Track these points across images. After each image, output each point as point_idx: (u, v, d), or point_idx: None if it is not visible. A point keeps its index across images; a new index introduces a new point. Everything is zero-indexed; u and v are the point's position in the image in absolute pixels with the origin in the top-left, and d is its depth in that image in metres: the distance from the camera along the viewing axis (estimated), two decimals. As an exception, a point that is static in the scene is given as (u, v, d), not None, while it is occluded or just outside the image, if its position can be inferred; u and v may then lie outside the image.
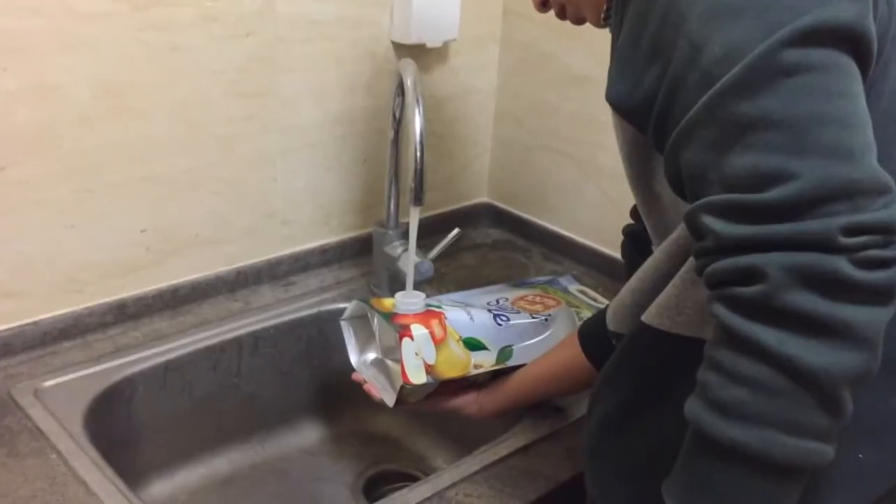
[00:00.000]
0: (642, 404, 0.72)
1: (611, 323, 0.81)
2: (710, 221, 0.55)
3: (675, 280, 0.67)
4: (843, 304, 0.51)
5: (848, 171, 0.51)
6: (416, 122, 1.00)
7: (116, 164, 1.08)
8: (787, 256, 0.51)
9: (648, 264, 0.73)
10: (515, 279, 1.27)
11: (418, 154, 1.00)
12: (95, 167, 1.06)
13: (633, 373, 0.73)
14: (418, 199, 1.01)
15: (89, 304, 1.11)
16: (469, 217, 1.50)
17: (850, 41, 0.54)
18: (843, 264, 0.50)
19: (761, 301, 0.52)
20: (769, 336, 0.52)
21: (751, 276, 0.52)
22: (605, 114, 1.34)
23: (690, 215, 0.57)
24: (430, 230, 1.29)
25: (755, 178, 0.53)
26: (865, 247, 0.51)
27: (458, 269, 1.37)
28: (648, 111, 0.61)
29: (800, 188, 0.51)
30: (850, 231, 0.51)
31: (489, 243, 1.48)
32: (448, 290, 1.29)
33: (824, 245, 0.51)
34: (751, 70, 0.53)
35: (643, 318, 0.71)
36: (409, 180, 1.03)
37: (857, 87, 0.54)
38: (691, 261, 0.65)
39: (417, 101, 1.01)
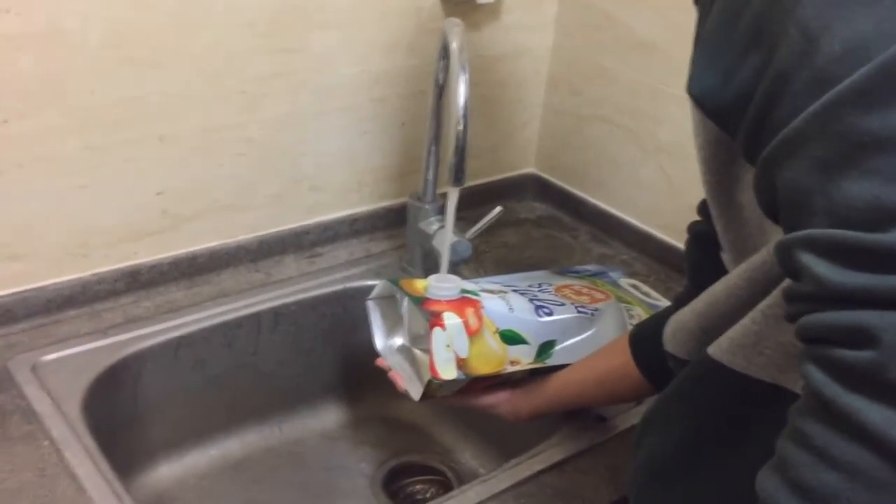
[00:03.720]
0: (700, 450, 0.62)
1: (668, 344, 0.70)
2: (811, 261, 0.44)
3: (755, 314, 0.56)
4: None
5: None
6: (460, 93, 0.89)
7: (131, 121, 0.98)
8: None
9: (720, 288, 0.62)
10: (560, 267, 1.16)
11: (460, 128, 0.89)
12: (108, 123, 0.97)
13: (693, 411, 0.63)
14: (458, 179, 0.90)
15: (99, 269, 1.03)
16: (513, 189, 1.39)
17: None
18: None
19: (870, 371, 0.41)
20: (875, 414, 0.41)
21: (860, 337, 0.42)
22: (670, 86, 1.24)
23: (785, 249, 0.46)
24: (470, 202, 1.18)
25: (875, 212, 0.42)
26: None
27: (499, 248, 1.27)
28: (741, 111, 0.50)
29: None
30: None
31: (533, 219, 1.37)
32: (486, 271, 1.19)
33: None
34: (881, 75, 0.42)
35: (710, 351, 0.60)
36: (448, 154, 0.93)
37: None
38: (777, 294, 0.55)
39: (463, 68, 0.89)
